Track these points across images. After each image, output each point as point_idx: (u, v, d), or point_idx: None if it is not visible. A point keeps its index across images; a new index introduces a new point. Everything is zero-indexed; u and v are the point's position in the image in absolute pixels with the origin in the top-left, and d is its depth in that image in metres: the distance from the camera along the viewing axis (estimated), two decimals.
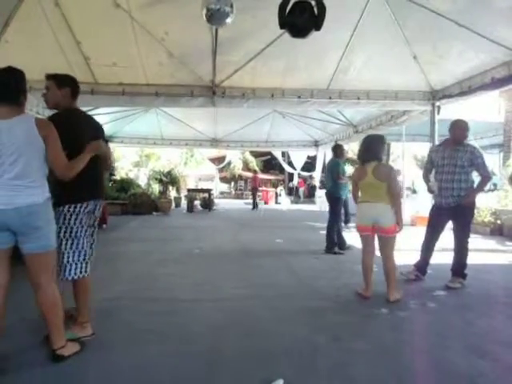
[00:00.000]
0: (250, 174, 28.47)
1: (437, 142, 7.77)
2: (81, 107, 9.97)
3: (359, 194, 3.94)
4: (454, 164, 4.18)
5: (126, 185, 14.00)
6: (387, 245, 3.71)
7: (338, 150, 6.60)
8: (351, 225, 9.45)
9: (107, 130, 12.97)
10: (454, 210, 4.20)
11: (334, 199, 6.30)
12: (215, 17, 4.43)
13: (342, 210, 9.74)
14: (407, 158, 13.81)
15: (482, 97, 6.73)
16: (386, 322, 3.19)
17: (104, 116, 11.19)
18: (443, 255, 4.60)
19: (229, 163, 27.05)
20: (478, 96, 6.44)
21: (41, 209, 2.30)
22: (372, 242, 3.81)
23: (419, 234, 4.40)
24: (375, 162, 3.74)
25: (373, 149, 3.79)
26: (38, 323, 2.84)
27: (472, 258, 5.08)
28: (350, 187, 8.99)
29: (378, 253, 3.83)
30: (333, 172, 6.29)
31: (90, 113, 10.19)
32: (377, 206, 3.67)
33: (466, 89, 6.39)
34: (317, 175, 17.18)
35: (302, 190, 25.01)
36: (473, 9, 4.86)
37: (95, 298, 3.63)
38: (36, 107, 8.03)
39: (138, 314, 3.28)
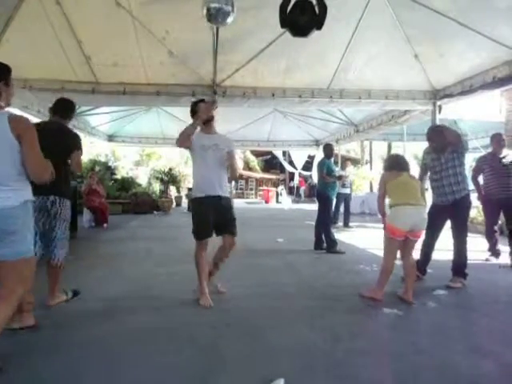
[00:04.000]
0: (252, 174, 28.56)
1: None
2: (82, 106, 10.02)
3: (386, 195, 3.87)
4: (440, 163, 4.27)
5: (126, 184, 14.02)
6: (413, 246, 3.74)
7: (325, 149, 6.77)
8: (340, 224, 9.51)
9: (108, 129, 13.01)
10: (450, 209, 4.23)
11: (322, 198, 6.39)
12: (216, 16, 4.42)
13: (342, 210, 9.87)
14: (408, 158, 13.78)
15: (483, 96, 6.71)
16: (386, 322, 3.19)
17: (105, 115, 11.21)
18: (443, 254, 4.60)
19: None
20: (480, 95, 6.42)
21: (16, 212, 2.14)
22: (398, 246, 3.74)
23: None
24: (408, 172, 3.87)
25: (407, 162, 3.93)
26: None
27: (472, 258, 5.08)
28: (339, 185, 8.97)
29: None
30: (318, 171, 6.57)
31: (90, 112, 10.28)
32: (420, 210, 3.64)
33: (467, 88, 6.37)
34: (314, 174, 17.24)
35: (303, 189, 25.02)
36: (474, 8, 4.85)
37: (95, 298, 3.65)
38: (37, 106, 8.04)
39: (139, 313, 3.28)
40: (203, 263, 3.55)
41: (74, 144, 3.44)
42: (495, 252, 5.63)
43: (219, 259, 3.74)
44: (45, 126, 3.46)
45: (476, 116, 9.57)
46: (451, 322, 3.21)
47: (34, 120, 9.74)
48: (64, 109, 3.60)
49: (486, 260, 5.56)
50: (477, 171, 5.86)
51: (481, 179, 5.86)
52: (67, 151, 3.36)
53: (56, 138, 3.25)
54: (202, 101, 3.84)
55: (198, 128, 3.68)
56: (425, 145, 4.82)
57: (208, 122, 3.65)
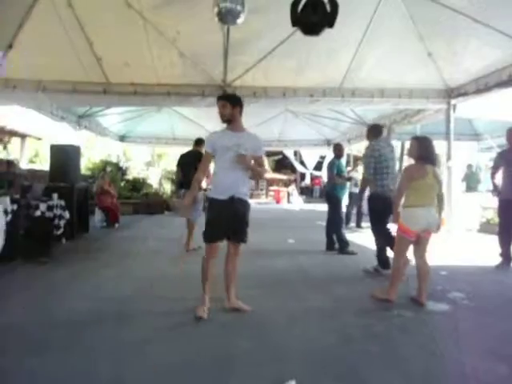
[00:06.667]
0: None
1: (452, 141, 7.63)
2: (93, 107, 10.13)
3: (405, 195, 3.69)
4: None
5: (137, 184, 14.10)
6: (426, 246, 3.66)
7: (335, 149, 6.65)
8: (352, 224, 9.41)
9: (120, 129, 13.11)
10: None
11: (332, 199, 6.31)
12: (226, 16, 4.41)
13: (354, 210, 9.77)
14: None
15: (498, 94, 6.55)
16: (399, 324, 3.13)
17: (116, 116, 11.29)
18: (458, 257, 4.50)
19: None
20: (495, 94, 6.28)
21: None
22: (409, 246, 3.69)
23: None
24: (434, 164, 3.68)
25: (435, 152, 3.71)
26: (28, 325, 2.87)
27: (489, 260, 4.98)
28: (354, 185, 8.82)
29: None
30: (328, 172, 6.47)
31: (102, 112, 10.37)
32: (432, 210, 3.57)
33: (482, 86, 6.23)
34: (325, 175, 17.10)
35: (317, 188, 24.79)
36: (488, 4, 4.75)
37: (107, 297, 3.66)
38: (50, 107, 8.13)
39: (149, 312, 3.27)
40: (208, 271, 3.28)
41: None
42: (508, 258, 5.09)
43: (229, 271, 3.39)
44: (189, 153, 6.57)
45: (491, 115, 9.37)
46: (465, 324, 3.13)
47: (50, 122, 9.76)
48: (199, 142, 6.19)
49: (497, 267, 4.99)
50: (494, 169, 5.47)
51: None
52: None
53: (196, 160, 4.96)
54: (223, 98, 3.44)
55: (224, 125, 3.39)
56: (439, 144, 4.72)
57: (228, 122, 3.32)
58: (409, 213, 3.62)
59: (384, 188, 4.63)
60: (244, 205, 3.31)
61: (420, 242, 3.63)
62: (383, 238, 4.66)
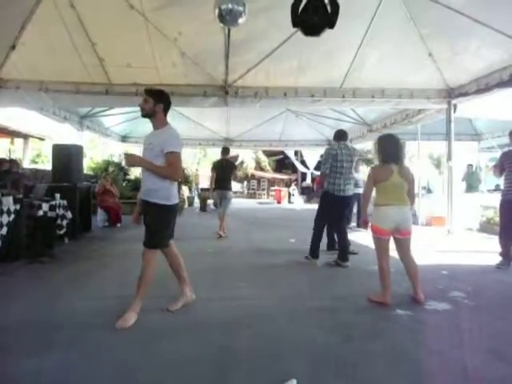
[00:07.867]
0: (264, 174, 28.58)
1: (453, 141, 7.64)
2: (96, 108, 10.16)
3: (374, 194, 3.76)
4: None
5: (139, 184, 14.12)
6: (408, 246, 3.65)
7: None
8: (353, 224, 9.43)
9: (122, 130, 13.13)
10: None
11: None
12: (227, 17, 4.44)
13: (354, 210, 9.79)
14: (423, 158, 13.64)
15: (499, 94, 6.56)
16: (399, 323, 3.14)
17: (119, 116, 11.32)
18: (459, 257, 4.51)
19: (241, 163, 27.06)
20: (496, 93, 6.29)
21: None
22: (389, 245, 3.67)
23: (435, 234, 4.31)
24: (400, 162, 3.63)
25: (401, 149, 3.67)
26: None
27: (490, 259, 4.99)
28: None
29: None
30: None
31: (105, 113, 10.41)
32: (403, 209, 3.56)
33: (483, 86, 6.25)
34: None
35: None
36: (489, 4, 4.77)
37: (107, 296, 3.69)
38: (52, 107, 8.16)
39: (151, 312, 3.29)
40: (179, 268, 3.58)
41: (234, 167, 7.88)
42: (508, 257, 4.98)
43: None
44: (222, 161, 7.57)
45: (492, 115, 9.38)
46: (465, 323, 3.14)
47: (51, 121, 9.76)
48: (226, 151, 7.74)
49: (497, 267, 4.89)
50: (499, 169, 5.22)
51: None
52: (232, 171, 7.59)
53: (226, 166, 7.40)
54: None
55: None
56: (440, 144, 4.72)
57: (147, 117, 3.29)
58: (378, 211, 3.65)
59: (335, 186, 5.00)
60: (146, 205, 3.23)
61: (399, 243, 3.63)
62: (318, 230, 5.23)
